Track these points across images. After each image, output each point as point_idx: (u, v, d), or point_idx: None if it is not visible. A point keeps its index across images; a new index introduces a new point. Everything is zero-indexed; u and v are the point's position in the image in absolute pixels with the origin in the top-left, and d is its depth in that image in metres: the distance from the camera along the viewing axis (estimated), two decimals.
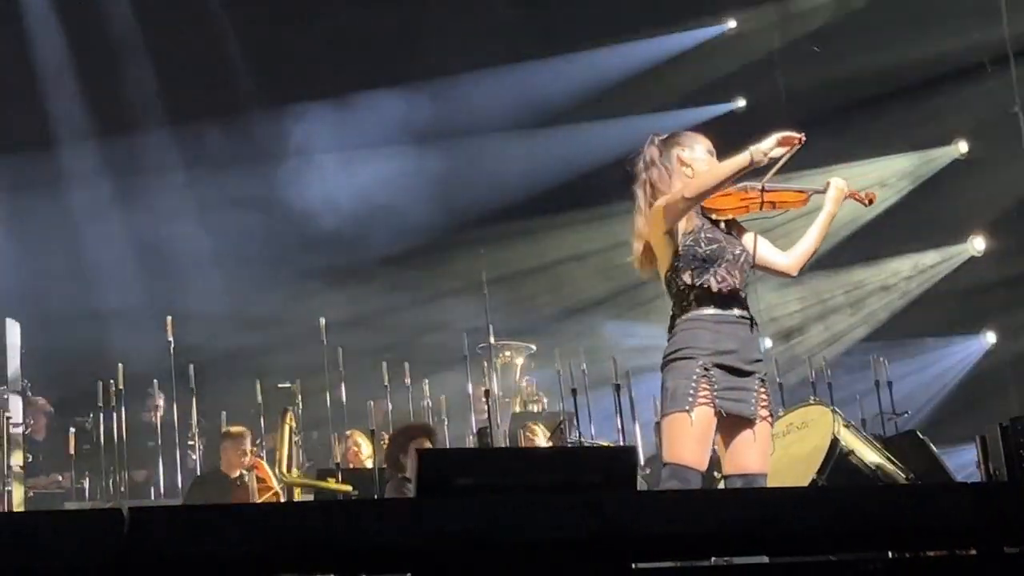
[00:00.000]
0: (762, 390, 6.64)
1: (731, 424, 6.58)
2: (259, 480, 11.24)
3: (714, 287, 6.65)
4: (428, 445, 9.82)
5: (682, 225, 6.70)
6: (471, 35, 15.59)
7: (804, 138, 6.55)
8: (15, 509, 10.08)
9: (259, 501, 10.77)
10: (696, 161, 6.82)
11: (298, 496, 10.84)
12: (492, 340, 13.25)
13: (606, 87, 16.48)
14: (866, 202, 7.09)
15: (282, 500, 10.86)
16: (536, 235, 16.53)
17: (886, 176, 15.83)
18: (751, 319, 6.71)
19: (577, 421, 12.04)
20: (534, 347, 14.11)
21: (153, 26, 14.91)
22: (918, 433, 10.41)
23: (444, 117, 15.74)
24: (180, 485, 11.82)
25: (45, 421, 12.44)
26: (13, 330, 10.69)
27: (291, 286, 15.48)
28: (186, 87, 15.06)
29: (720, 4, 16.87)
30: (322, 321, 11.96)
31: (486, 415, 11.94)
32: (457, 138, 15.87)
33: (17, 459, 10.47)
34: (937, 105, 15.31)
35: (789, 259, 6.89)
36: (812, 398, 10.46)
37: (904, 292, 16.22)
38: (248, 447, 11.64)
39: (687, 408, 6.46)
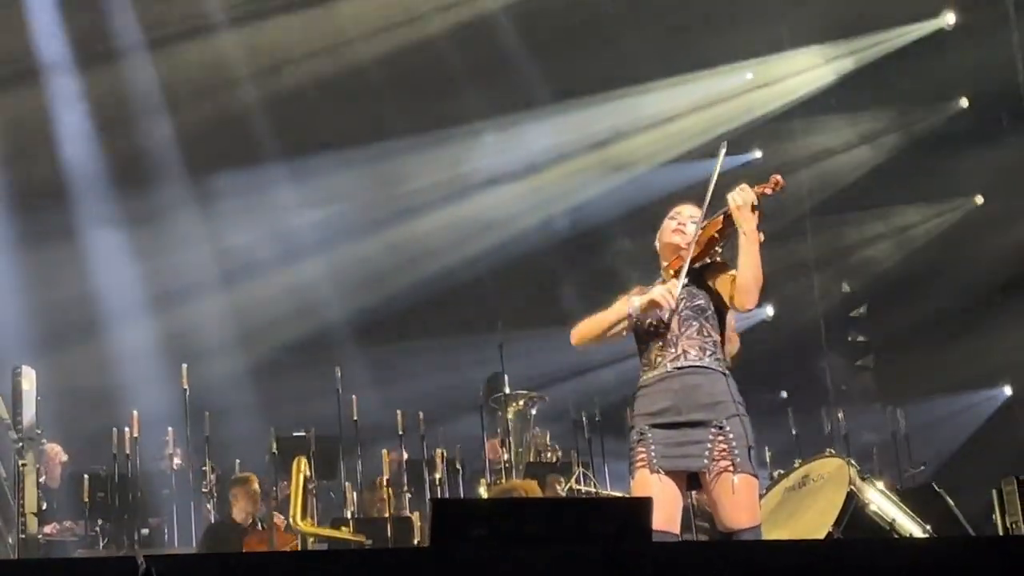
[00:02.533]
0: (719, 439, 6.41)
1: (703, 481, 6.48)
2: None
3: (651, 348, 6.65)
4: None
5: None
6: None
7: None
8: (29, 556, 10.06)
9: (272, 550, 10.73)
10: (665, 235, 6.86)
11: (311, 545, 10.80)
12: (507, 390, 13.23)
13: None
14: (775, 189, 6.57)
15: (296, 549, 10.82)
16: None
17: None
18: (701, 365, 6.53)
19: (592, 471, 12.01)
20: (547, 398, 14.08)
21: (171, 78, 14.99)
22: (934, 486, 10.36)
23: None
24: (194, 533, 11.80)
25: (59, 468, 12.42)
26: (29, 377, 10.69)
27: (308, 335, 15.47)
28: (202, 137, 15.12)
29: None
30: (337, 371, 11.97)
31: (501, 466, 11.91)
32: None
33: (32, 506, 10.45)
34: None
35: (736, 296, 6.56)
36: (828, 450, 10.42)
37: None
38: (257, 490, 11.61)
39: (631, 477, 6.55)
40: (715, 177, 6.63)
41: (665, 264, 6.81)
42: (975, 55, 15.36)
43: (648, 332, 6.65)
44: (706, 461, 6.41)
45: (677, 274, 6.64)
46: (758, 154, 17.06)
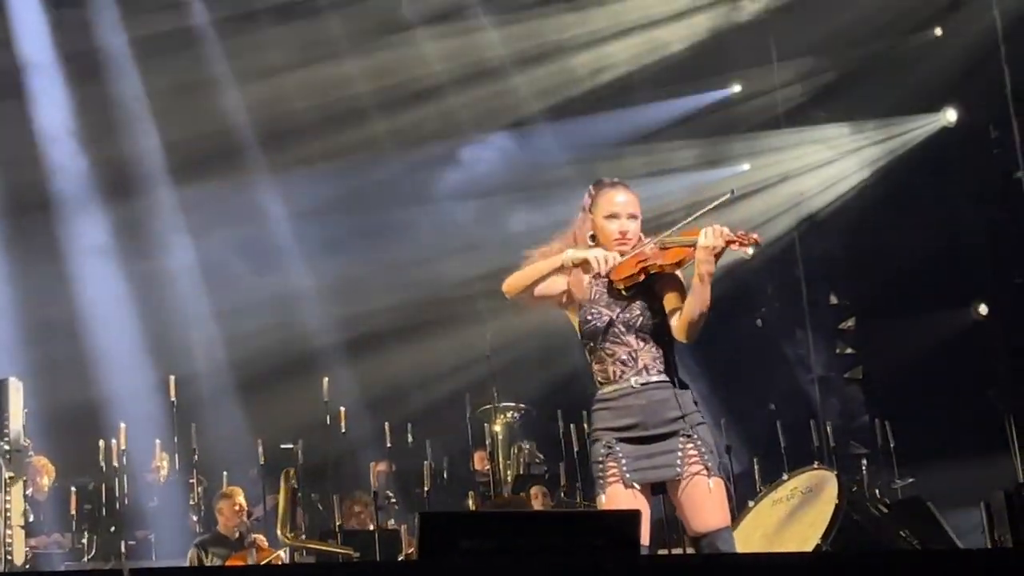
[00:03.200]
0: (688, 446, 6.41)
1: (671, 489, 6.46)
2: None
3: (608, 362, 6.55)
4: None
5: (575, 304, 6.65)
6: None
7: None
8: (17, 568, 10.03)
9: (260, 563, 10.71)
10: (595, 229, 6.67)
11: (299, 557, 10.79)
12: (495, 401, 13.23)
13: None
14: (749, 248, 6.38)
15: (283, 562, 10.80)
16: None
17: None
18: (662, 380, 6.50)
19: (580, 484, 12.00)
20: (534, 411, 14.06)
21: (157, 88, 15.01)
22: (922, 499, 10.37)
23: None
24: (181, 546, 11.77)
25: (47, 481, 12.39)
26: (16, 390, 10.67)
27: (294, 346, 15.45)
28: (189, 149, 15.13)
29: None
30: (324, 381, 11.95)
31: (488, 478, 11.89)
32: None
33: (18, 519, 10.43)
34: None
35: (677, 327, 6.50)
36: (816, 463, 10.42)
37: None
38: (243, 503, 11.59)
39: (601, 491, 6.45)
40: (706, 208, 6.51)
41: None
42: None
43: (603, 345, 6.56)
44: (679, 468, 6.41)
45: (622, 282, 6.51)
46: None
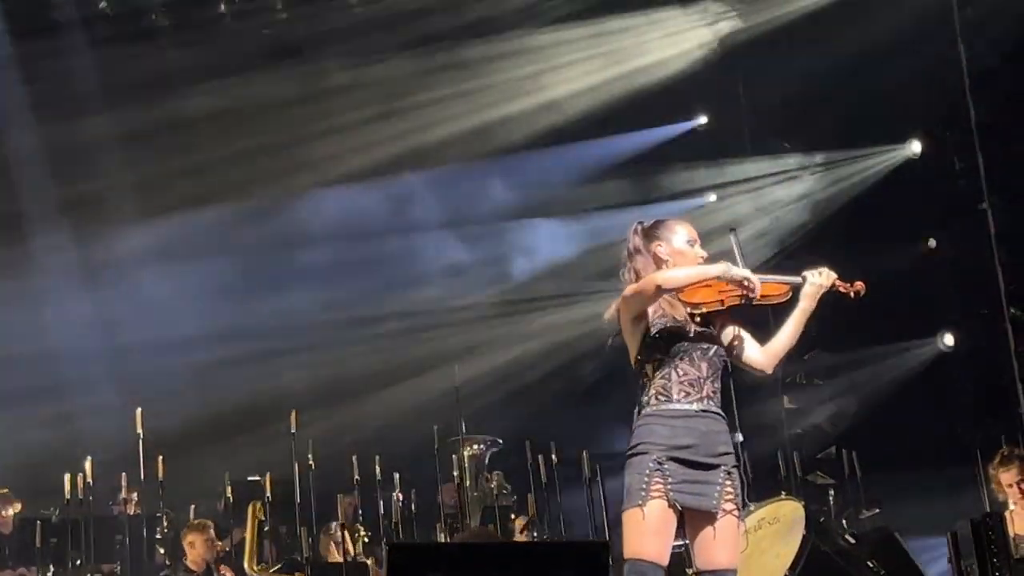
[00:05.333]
0: (728, 483, 6.56)
1: (696, 518, 6.55)
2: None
3: (675, 380, 6.64)
4: None
5: (651, 315, 6.71)
6: None
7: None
8: None
9: None
10: (675, 255, 6.83)
11: None
12: (463, 433, 13.22)
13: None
14: (852, 294, 6.75)
15: None
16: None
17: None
18: (718, 412, 6.66)
19: (549, 515, 12.00)
20: (501, 441, 14.06)
21: (125, 115, 14.99)
22: (891, 529, 10.40)
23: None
24: None
25: (12, 514, 12.31)
26: None
27: (262, 376, 15.40)
28: (157, 175, 15.14)
29: None
30: (292, 415, 11.91)
31: (456, 510, 11.86)
32: None
33: None
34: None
35: (763, 356, 6.83)
36: (784, 493, 10.44)
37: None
38: (212, 536, 11.54)
39: (640, 503, 6.45)
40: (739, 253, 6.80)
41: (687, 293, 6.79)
42: None
43: (677, 364, 6.64)
44: (715, 502, 6.51)
45: (703, 306, 6.67)
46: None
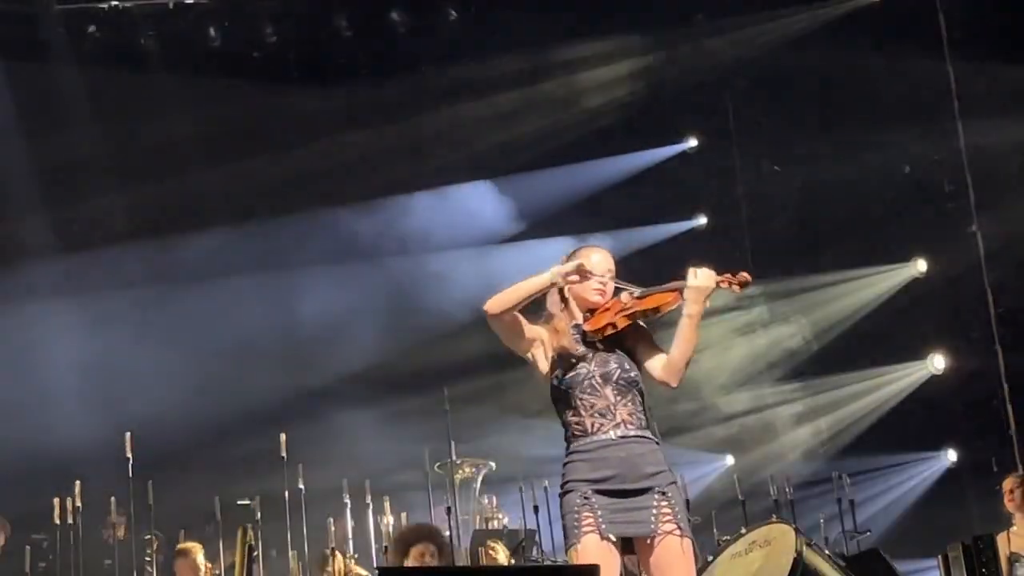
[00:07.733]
0: (663, 503, 6.44)
1: (642, 548, 6.47)
2: None
3: (585, 414, 6.55)
4: (430, 552, 9.57)
5: (545, 355, 6.64)
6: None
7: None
8: None
9: None
10: (583, 290, 6.70)
11: None
12: (453, 456, 13.18)
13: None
14: (737, 287, 6.51)
15: None
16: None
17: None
18: (641, 435, 6.53)
19: (539, 539, 11.97)
20: (494, 464, 14.02)
21: (119, 144, 15.01)
22: (880, 552, 10.39)
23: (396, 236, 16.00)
24: None
25: (1, 538, 12.28)
26: None
27: (251, 403, 15.36)
28: (147, 203, 15.15)
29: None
30: (282, 437, 11.89)
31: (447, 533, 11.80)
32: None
33: None
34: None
35: (664, 371, 6.63)
36: (774, 516, 10.44)
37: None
38: (202, 561, 11.51)
39: (575, 542, 6.40)
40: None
41: (580, 317, 6.72)
42: None
43: (580, 397, 6.54)
44: (652, 525, 6.41)
45: (600, 332, 6.58)
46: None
